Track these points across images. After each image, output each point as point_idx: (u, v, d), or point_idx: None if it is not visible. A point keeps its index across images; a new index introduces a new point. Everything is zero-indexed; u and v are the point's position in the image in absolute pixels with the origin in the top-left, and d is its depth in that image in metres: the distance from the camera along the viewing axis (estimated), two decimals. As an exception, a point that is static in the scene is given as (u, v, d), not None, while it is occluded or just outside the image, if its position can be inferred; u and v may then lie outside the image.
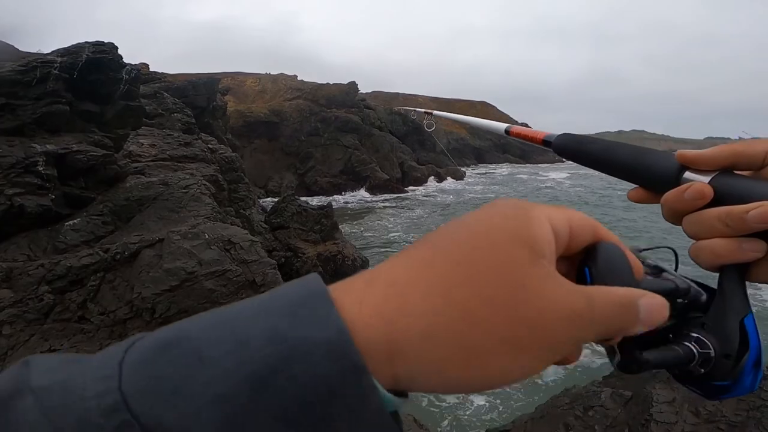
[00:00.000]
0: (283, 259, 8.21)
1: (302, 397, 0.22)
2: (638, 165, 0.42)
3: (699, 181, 0.36)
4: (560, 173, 40.97)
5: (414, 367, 0.24)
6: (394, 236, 16.10)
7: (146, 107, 8.27)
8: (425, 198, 26.89)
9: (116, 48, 6.31)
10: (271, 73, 39.99)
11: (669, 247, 0.44)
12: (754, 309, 0.34)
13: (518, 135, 0.89)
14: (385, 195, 27.06)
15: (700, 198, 0.35)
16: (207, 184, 6.51)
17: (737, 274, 0.35)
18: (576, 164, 0.53)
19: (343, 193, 27.03)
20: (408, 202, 25.31)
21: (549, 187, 34.78)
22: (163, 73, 15.49)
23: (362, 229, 17.55)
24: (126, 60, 6.59)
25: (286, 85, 36.80)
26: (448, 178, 34.96)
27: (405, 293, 0.25)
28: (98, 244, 4.93)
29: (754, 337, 0.34)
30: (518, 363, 0.25)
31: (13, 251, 4.66)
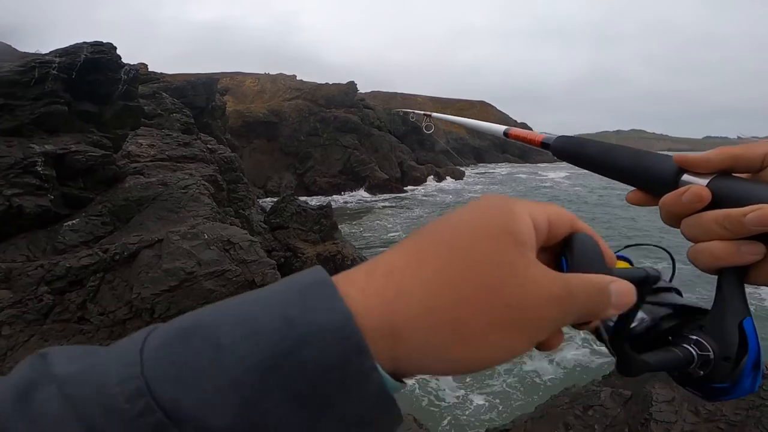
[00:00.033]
0: (282, 259, 8.22)
1: (311, 379, 0.24)
2: (636, 168, 0.42)
3: (697, 184, 0.36)
4: (559, 173, 40.98)
5: (413, 347, 0.26)
6: (393, 236, 16.11)
7: (145, 107, 8.26)
8: (425, 198, 26.89)
9: (114, 48, 6.30)
10: (270, 73, 39.97)
11: (656, 245, 0.44)
12: (752, 308, 0.34)
13: (517, 137, 0.89)
14: (385, 195, 27.05)
15: (697, 201, 0.35)
16: (206, 184, 6.51)
17: (736, 276, 0.35)
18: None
19: (342, 193, 27.02)
20: (407, 201, 25.31)
21: (548, 186, 34.80)
22: (161, 73, 15.47)
23: (361, 229, 17.56)
24: (126, 60, 6.59)
25: (285, 85, 36.77)
26: (448, 177, 34.97)
27: (403, 281, 0.27)
28: (97, 245, 4.92)
29: (753, 339, 0.34)
30: (506, 342, 0.27)
31: (12, 252, 4.65)
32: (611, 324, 0.37)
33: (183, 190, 5.96)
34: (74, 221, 5.11)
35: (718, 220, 0.33)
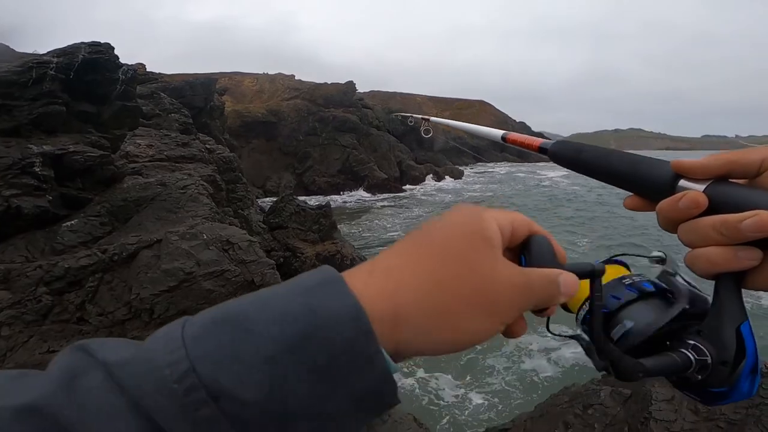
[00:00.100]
0: (281, 259, 8.21)
1: (328, 358, 0.28)
2: (633, 173, 0.42)
3: (694, 190, 0.36)
4: (558, 172, 40.97)
5: (411, 331, 0.31)
6: (392, 235, 16.11)
7: (143, 108, 8.25)
8: (424, 197, 26.88)
9: (112, 48, 6.29)
10: (269, 73, 39.92)
11: (646, 255, 0.45)
12: (748, 306, 0.35)
13: (515, 142, 0.89)
14: (384, 194, 27.03)
15: (694, 207, 0.35)
16: (205, 184, 6.50)
17: (733, 281, 0.35)
18: None
19: (341, 192, 27.01)
20: (406, 201, 25.30)
21: (546, 185, 34.81)
22: (159, 74, 15.44)
23: (361, 228, 17.56)
24: (125, 60, 6.57)
25: (283, 84, 36.74)
26: (447, 177, 34.97)
27: (399, 275, 0.33)
28: (96, 245, 4.91)
29: (751, 344, 0.35)
30: (481, 324, 0.33)
31: (10, 252, 4.64)
32: (587, 316, 0.40)
33: (182, 191, 5.96)
34: (73, 222, 5.10)
35: (715, 225, 0.34)
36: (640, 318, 0.40)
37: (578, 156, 0.50)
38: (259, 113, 29.61)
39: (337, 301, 0.30)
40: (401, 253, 0.34)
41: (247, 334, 0.28)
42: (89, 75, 5.93)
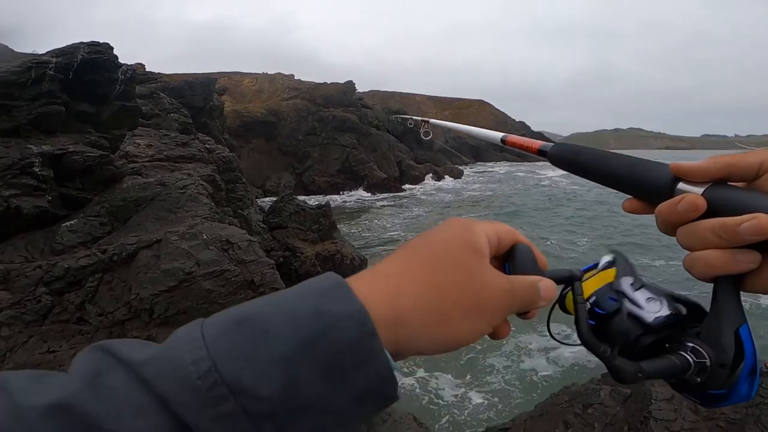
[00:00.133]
0: (281, 259, 8.21)
1: (336, 355, 0.31)
2: (632, 176, 0.42)
3: (692, 193, 0.36)
4: (557, 171, 40.58)
5: (410, 332, 0.35)
6: (392, 235, 16.09)
7: (143, 107, 8.24)
8: (423, 197, 26.86)
9: (111, 48, 6.28)
10: (268, 72, 39.89)
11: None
12: (746, 305, 0.35)
13: (514, 144, 0.90)
14: (383, 194, 27.01)
15: (693, 210, 0.35)
16: (204, 184, 6.50)
17: (731, 284, 0.35)
18: None
19: (341, 192, 26.99)
20: (406, 200, 25.29)
21: (545, 185, 34.81)
22: (159, 73, 15.42)
23: (360, 228, 17.54)
24: (125, 60, 6.56)
25: (283, 84, 36.72)
26: (446, 176, 34.95)
27: (400, 281, 0.36)
28: (95, 245, 4.91)
29: (750, 346, 0.35)
30: (474, 326, 0.37)
31: (10, 253, 4.64)
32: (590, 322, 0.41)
33: (181, 191, 5.95)
34: (72, 222, 5.09)
35: (714, 229, 0.34)
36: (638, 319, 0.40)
37: (577, 158, 0.51)
38: (259, 113, 29.58)
39: (344, 305, 0.32)
40: (400, 262, 0.38)
41: (263, 334, 0.30)
42: (88, 75, 5.92)
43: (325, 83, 34.83)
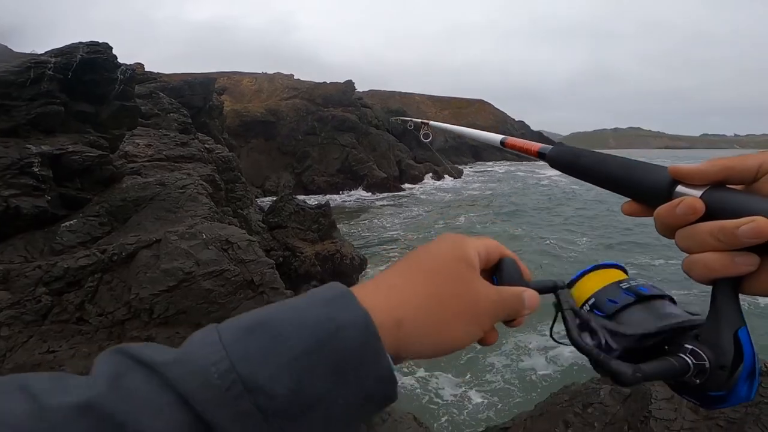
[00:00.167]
0: (281, 259, 8.20)
1: (344, 356, 0.33)
2: (630, 179, 0.42)
3: (691, 196, 0.36)
4: (556, 171, 40.91)
5: (410, 337, 0.38)
6: (392, 235, 16.09)
7: (142, 107, 8.23)
8: (423, 196, 26.86)
9: (110, 48, 6.27)
10: (268, 72, 39.86)
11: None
12: (745, 305, 0.35)
13: (513, 147, 0.90)
14: (383, 193, 27.00)
15: (691, 213, 0.35)
16: (204, 184, 6.49)
17: (730, 287, 0.35)
18: None
19: (340, 192, 26.98)
20: (406, 200, 25.28)
21: (545, 184, 34.82)
22: (158, 73, 15.41)
23: (360, 228, 17.53)
24: (124, 60, 6.55)
25: (282, 84, 36.71)
26: (446, 176, 34.95)
27: (401, 292, 0.39)
28: (95, 245, 4.90)
29: (749, 348, 0.35)
30: (468, 332, 0.40)
31: (9, 253, 4.63)
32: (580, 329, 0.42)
33: (181, 190, 5.95)
34: (72, 222, 5.09)
35: (712, 231, 0.34)
36: (637, 321, 0.40)
37: (576, 161, 0.51)
38: (258, 113, 29.57)
39: (351, 311, 0.35)
40: (401, 274, 0.42)
41: (276, 339, 0.33)
42: (87, 75, 5.92)
43: (324, 83, 34.83)
